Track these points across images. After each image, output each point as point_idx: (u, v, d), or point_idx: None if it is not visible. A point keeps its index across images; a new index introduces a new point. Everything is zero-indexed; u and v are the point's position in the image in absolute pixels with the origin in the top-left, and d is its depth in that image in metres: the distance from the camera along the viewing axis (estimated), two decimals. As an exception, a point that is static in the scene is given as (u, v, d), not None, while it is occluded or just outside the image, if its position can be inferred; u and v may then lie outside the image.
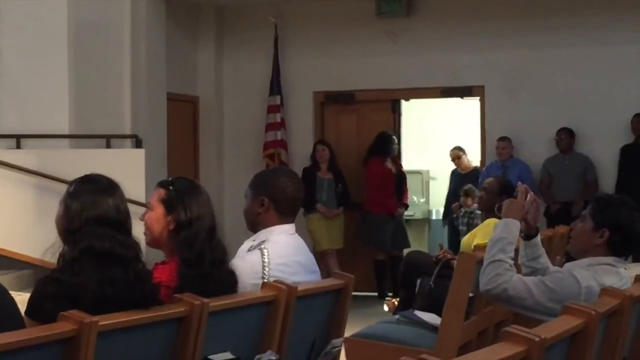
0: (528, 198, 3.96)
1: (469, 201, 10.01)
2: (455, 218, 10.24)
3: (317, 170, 10.61)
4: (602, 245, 3.86)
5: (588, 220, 3.89)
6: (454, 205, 10.38)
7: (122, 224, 3.18)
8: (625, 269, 3.94)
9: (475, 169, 10.92)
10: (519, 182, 4.15)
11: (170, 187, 3.55)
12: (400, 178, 10.79)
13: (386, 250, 10.65)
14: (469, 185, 10.18)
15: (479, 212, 9.90)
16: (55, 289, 3.00)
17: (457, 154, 11.03)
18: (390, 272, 10.42)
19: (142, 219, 3.58)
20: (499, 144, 10.39)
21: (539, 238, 4.09)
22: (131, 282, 3.07)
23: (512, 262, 3.79)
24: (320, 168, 10.63)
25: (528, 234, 4.03)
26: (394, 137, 10.81)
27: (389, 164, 10.71)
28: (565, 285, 3.71)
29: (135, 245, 3.17)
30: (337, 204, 10.63)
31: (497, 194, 6.64)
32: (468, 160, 11.06)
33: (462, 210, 10.11)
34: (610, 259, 3.85)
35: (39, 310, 2.98)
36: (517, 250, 4.14)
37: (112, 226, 3.13)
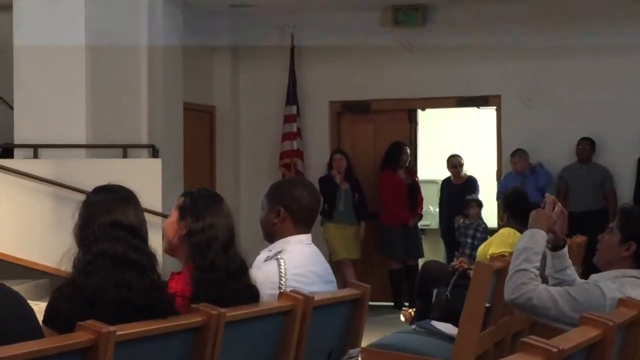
0: (556, 209, 3.94)
1: (473, 212, 9.62)
2: (457, 228, 9.72)
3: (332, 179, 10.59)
4: (628, 257, 3.86)
5: (615, 232, 3.89)
6: (457, 217, 9.79)
7: (137, 230, 3.19)
8: None
9: (470, 178, 10.76)
10: (547, 194, 4.15)
11: (189, 196, 3.59)
12: (414, 188, 10.77)
13: (399, 259, 10.63)
14: (474, 195, 9.99)
15: (484, 224, 9.81)
16: (71, 292, 3.02)
17: (459, 161, 10.75)
18: (407, 282, 10.41)
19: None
20: (510, 159, 10.30)
21: (566, 249, 4.07)
22: (147, 288, 3.08)
23: (537, 272, 3.78)
24: (333, 176, 10.59)
25: (555, 245, 4.02)
26: (406, 147, 10.77)
27: (402, 174, 10.70)
28: (591, 296, 3.70)
29: (150, 253, 3.19)
30: (355, 215, 10.62)
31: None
32: (464, 169, 10.84)
33: (465, 221, 9.61)
34: (636, 272, 3.85)
35: (57, 317, 2.99)
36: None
37: (126, 231, 3.15)
